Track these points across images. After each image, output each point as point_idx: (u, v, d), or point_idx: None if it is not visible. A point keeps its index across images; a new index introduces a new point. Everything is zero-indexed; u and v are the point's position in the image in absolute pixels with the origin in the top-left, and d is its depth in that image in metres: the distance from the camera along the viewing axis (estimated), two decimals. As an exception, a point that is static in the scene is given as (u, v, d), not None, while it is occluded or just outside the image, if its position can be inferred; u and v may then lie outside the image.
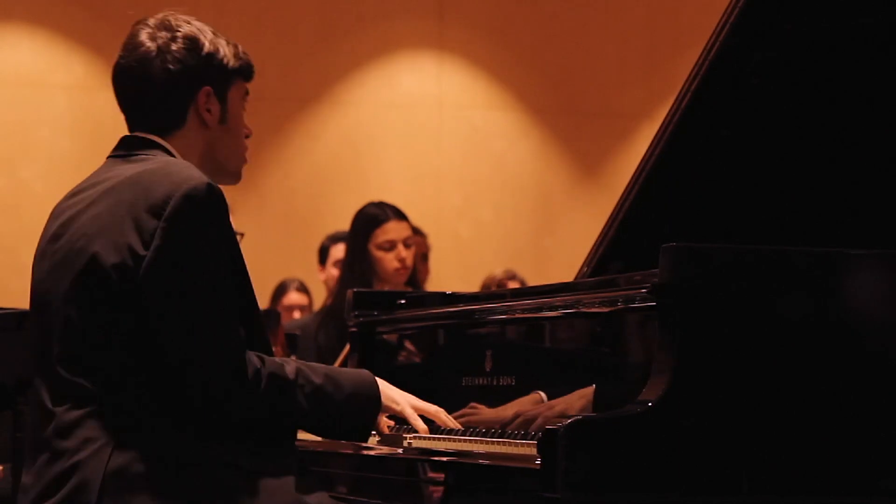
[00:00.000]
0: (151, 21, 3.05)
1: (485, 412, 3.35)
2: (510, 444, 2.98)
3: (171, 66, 2.98)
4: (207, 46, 3.01)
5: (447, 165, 9.72)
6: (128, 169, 2.91)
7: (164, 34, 3.01)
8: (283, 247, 8.85)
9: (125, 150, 3.00)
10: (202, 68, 3.00)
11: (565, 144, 10.03)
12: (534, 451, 2.82)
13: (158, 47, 3.00)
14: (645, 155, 3.64)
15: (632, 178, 3.68)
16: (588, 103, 10.04)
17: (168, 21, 3.04)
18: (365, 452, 3.34)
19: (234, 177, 3.10)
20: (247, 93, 3.10)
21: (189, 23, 3.04)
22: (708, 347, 2.85)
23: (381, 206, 5.51)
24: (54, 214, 2.98)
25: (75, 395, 2.82)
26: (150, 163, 2.91)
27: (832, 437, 2.91)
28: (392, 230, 5.39)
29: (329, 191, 9.22)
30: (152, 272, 2.77)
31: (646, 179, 3.62)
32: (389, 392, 3.10)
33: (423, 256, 6.43)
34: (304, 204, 9.14)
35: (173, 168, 2.87)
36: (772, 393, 2.88)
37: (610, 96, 10.06)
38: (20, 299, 3.07)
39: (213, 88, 3.01)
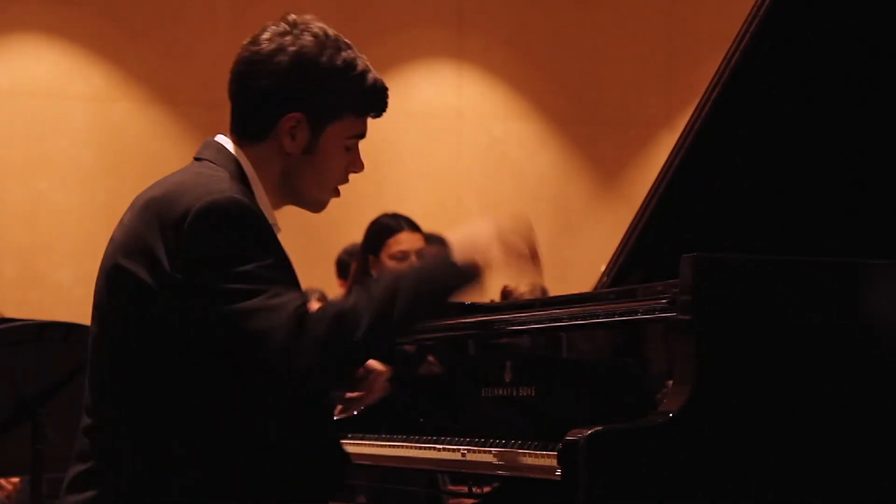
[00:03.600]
0: (284, 22, 2.89)
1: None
2: (530, 454, 2.97)
3: (266, 80, 2.85)
4: (320, 71, 2.85)
5: (466, 175, 9.73)
6: (178, 176, 2.83)
7: (278, 41, 2.85)
8: (301, 257, 8.81)
9: (200, 152, 2.91)
10: (298, 91, 2.84)
11: (584, 154, 10.03)
12: (554, 462, 2.81)
13: (270, 52, 2.84)
14: (665, 164, 3.63)
15: (651, 187, 3.67)
16: (607, 113, 10.04)
17: (295, 29, 2.88)
18: (386, 464, 3.34)
19: (314, 205, 2.97)
20: (362, 135, 2.91)
21: (318, 35, 2.88)
22: (728, 357, 2.85)
23: (395, 217, 5.50)
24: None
25: (108, 408, 2.79)
26: (192, 171, 2.83)
27: (855, 446, 2.90)
28: (405, 241, 5.38)
29: (348, 200, 9.18)
30: (187, 292, 2.69)
31: (666, 188, 3.62)
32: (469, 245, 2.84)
33: None
34: (323, 214, 9.13)
35: (201, 179, 2.78)
36: (793, 403, 2.87)
37: (629, 105, 10.05)
38: (38, 310, 3.07)
39: (306, 116, 2.85)
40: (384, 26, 9.55)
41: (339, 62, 2.88)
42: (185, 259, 2.71)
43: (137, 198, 2.87)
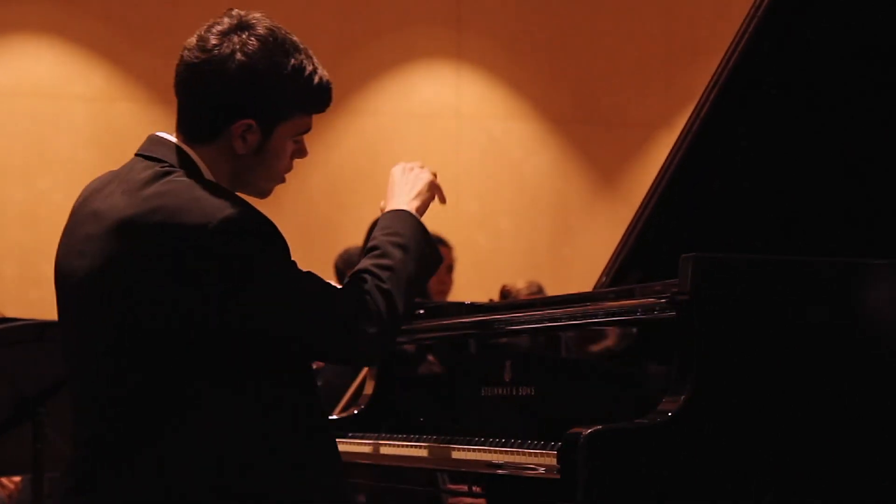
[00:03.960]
0: (230, 19, 2.89)
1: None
2: (530, 453, 2.98)
3: (217, 87, 2.85)
4: (269, 78, 2.86)
5: (465, 175, 9.73)
6: (154, 186, 2.82)
7: (235, 39, 2.86)
8: (300, 256, 8.81)
9: (151, 150, 2.91)
10: (250, 100, 2.85)
11: (583, 154, 10.03)
12: (554, 460, 2.82)
13: (219, 59, 2.85)
14: (663, 164, 3.64)
15: (650, 187, 3.68)
16: (606, 113, 10.04)
17: (246, 27, 2.88)
18: (385, 463, 3.34)
19: (262, 194, 3.00)
20: (307, 129, 2.95)
21: (265, 40, 2.87)
22: (727, 357, 2.85)
23: None
24: (75, 223, 2.93)
25: (115, 428, 2.80)
26: (174, 179, 2.83)
27: (854, 446, 2.90)
28: None
29: (347, 200, 9.23)
30: (225, 307, 2.73)
31: (664, 188, 3.62)
32: (416, 199, 3.08)
33: (447, 268, 6.41)
34: (322, 213, 9.15)
35: (199, 193, 2.79)
36: (792, 402, 2.88)
37: (628, 105, 10.06)
38: (39, 310, 3.07)
39: (256, 121, 2.87)
40: (383, 26, 9.56)
41: (287, 68, 2.88)
42: (215, 268, 2.73)
43: (99, 211, 2.86)
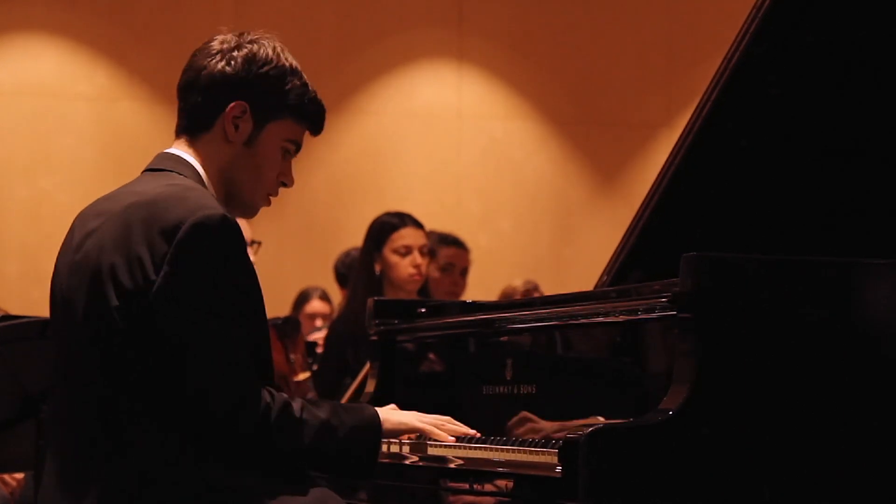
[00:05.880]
0: (236, 32, 3.05)
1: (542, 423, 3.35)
2: (530, 452, 2.99)
3: (217, 69, 2.97)
4: (267, 67, 2.99)
5: (466, 175, 9.73)
6: (151, 185, 2.91)
7: (233, 40, 3.01)
8: (302, 255, 8.86)
9: (156, 164, 3.01)
10: (247, 82, 2.98)
11: (584, 154, 10.03)
12: (554, 459, 2.83)
13: (220, 50, 3.00)
14: (664, 164, 3.64)
15: (651, 187, 3.69)
16: (607, 113, 10.05)
17: (248, 35, 3.03)
18: (385, 461, 3.35)
19: (248, 208, 3.06)
20: (297, 145, 3.05)
21: (269, 47, 3.02)
22: (728, 356, 2.86)
23: (398, 214, 5.53)
24: (77, 224, 2.97)
25: (98, 413, 2.82)
26: (173, 183, 2.90)
27: (853, 446, 2.91)
28: (409, 236, 5.40)
29: (348, 200, 9.23)
30: (163, 299, 2.77)
31: (665, 189, 3.63)
32: (395, 417, 3.09)
33: (462, 271, 6.36)
34: (324, 213, 9.16)
35: (191, 194, 2.86)
36: (792, 402, 2.88)
37: (629, 106, 10.06)
38: (42, 308, 3.08)
39: (249, 106, 2.98)
40: (384, 26, 9.56)
41: (287, 65, 3.02)
42: (169, 266, 2.77)
43: (104, 210, 2.91)
